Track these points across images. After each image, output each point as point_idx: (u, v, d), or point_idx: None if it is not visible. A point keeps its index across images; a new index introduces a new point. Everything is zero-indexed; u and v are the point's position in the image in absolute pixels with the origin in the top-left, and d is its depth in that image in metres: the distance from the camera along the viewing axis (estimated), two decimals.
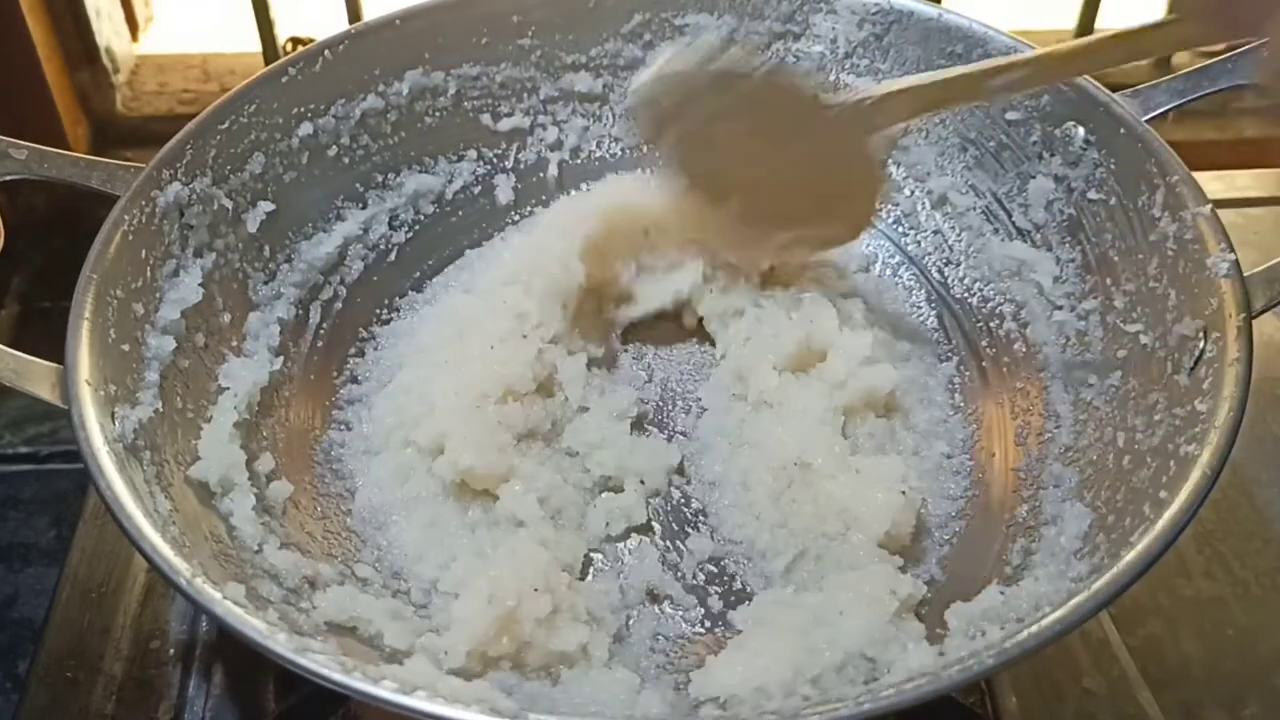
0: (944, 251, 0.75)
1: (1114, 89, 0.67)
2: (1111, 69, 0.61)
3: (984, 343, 0.71)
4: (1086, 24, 1.04)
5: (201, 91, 1.11)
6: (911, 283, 0.75)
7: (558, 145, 0.81)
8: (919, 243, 0.76)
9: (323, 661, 0.43)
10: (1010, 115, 0.71)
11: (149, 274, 0.61)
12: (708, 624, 0.58)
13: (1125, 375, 0.61)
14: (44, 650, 0.62)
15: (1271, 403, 0.76)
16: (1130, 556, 0.47)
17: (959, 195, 0.74)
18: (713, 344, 0.72)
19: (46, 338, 0.56)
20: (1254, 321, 0.55)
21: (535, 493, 0.60)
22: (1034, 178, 0.70)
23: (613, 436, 0.65)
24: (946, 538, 0.62)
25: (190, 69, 1.14)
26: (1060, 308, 0.67)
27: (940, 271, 0.75)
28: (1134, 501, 0.52)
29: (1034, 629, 0.44)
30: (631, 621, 0.58)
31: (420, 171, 0.78)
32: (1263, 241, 0.78)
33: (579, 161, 0.81)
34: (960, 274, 0.74)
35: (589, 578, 0.60)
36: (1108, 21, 1.07)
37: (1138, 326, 0.61)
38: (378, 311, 0.74)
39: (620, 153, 0.82)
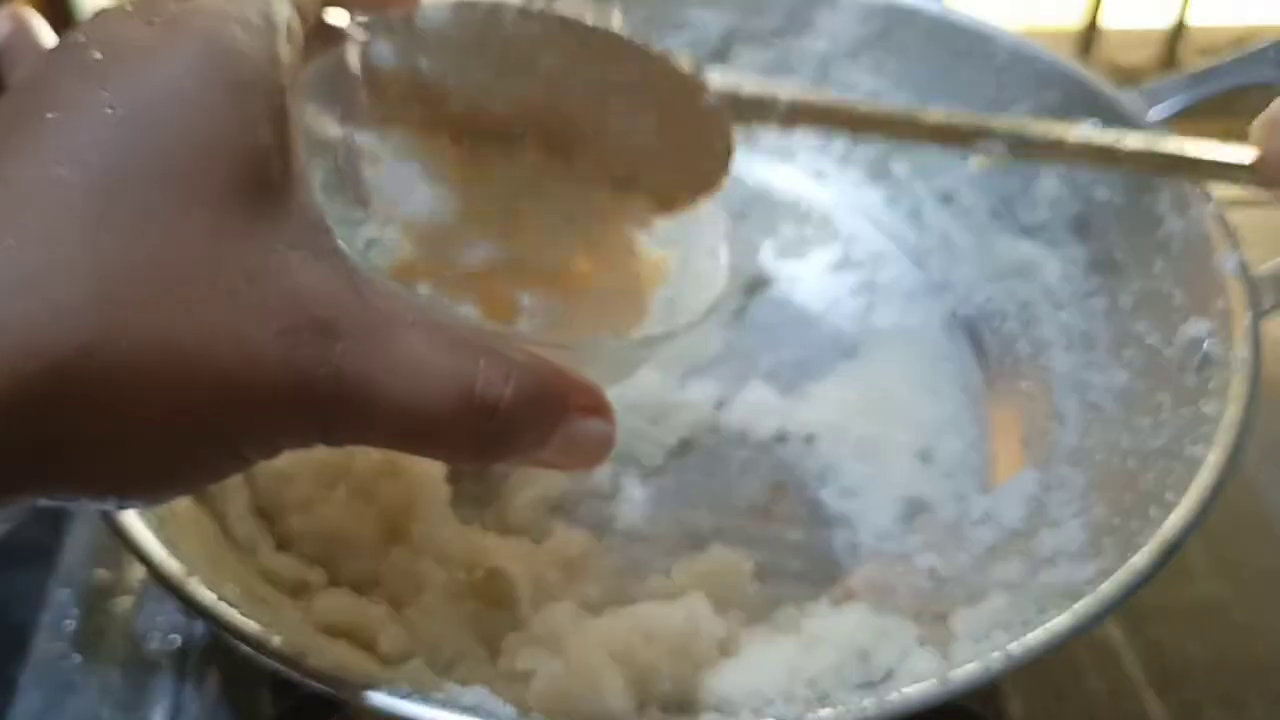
0: (949, 249, 0.74)
1: (1121, 87, 0.67)
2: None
3: (989, 342, 0.70)
4: (1089, 24, 1.04)
5: None
6: (916, 281, 0.75)
7: None
8: (924, 240, 0.76)
9: (319, 665, 0.43)
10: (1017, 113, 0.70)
11: None
12: None
13: (1132, 376, 0.60)
14: (37, 653, 0.61)
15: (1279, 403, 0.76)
16: (1137, 560, 0.46)
17: (965, 193, 0.74)
18: None
19: None
20: (1262, 320, 0.54)
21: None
22: (1039, 176, 0.69)
23: None
24: (950, 539, 0.61)
25: None
26: (1066, 307, 0.67)
27: (945, 270, 0.74)
28: (1141, 504, 0.52)
29: (1040, 633, 0.44)
30: None
31: None
32: (1270, 240, 0.77)
33: None
34: (965, 272, 0.73)
35: None
36: (1110, 20, 1.06)
37: (1144, 326, 0.61)
38: None
39: None
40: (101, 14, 0.34)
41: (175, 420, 0.31)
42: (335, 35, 0.43)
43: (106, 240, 0.30)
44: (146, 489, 0.34)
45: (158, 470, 0.33)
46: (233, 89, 0.33)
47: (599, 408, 0.38)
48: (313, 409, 0.33)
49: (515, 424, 0.35)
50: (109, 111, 0.31)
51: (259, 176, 0.33)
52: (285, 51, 0.35)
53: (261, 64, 0.34)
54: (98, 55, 0.32)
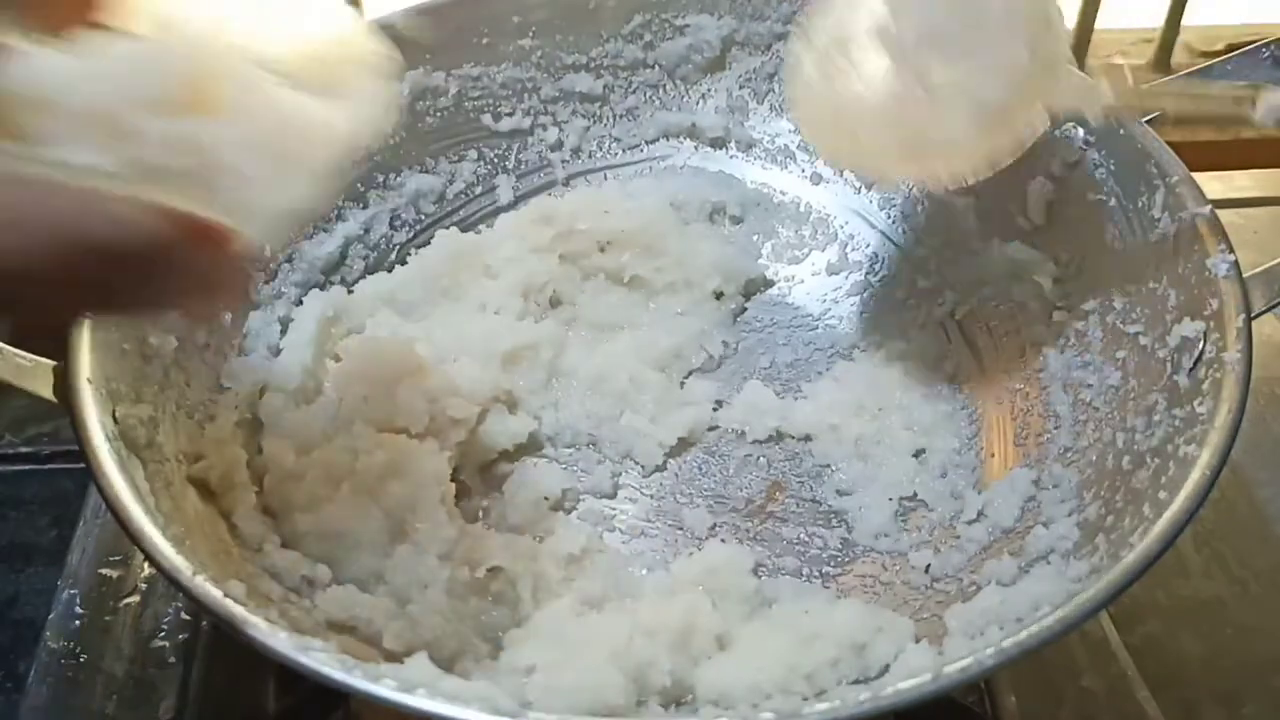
0: (944, 252, 0.75)
1: None
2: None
3: (983, 344, 0.71)
4: (1085, 25, 1.04)
5: None
6: (911, 283, 0.75)
7: (558, 145, 0.81)
8: (919, 243, 0.76)
9: (323, 660, 0.43)
10: None
11: None
12: None
13: (1125, 376, 0.61)
14: (45, 650, 0.62)
15: (1271, 403, 0.77)
16: (1129, 557, 0.47)
17: (959, 196, 0.74)
18: None
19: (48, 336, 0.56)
20: (1253, 321, 0.55)
21: None
22: (1034, 178, 0.70)
23: None
24: (945, 537, 0.62)
25: None
26: (1060, 308, 0.67)
27: (940, 272, 0.74)
28: (1133, 502, 0.52)
29: (1033, 629, 0.44)
30: None
31: (421, 171, 0.78)
32: (1262, 242, 0.78)
33: (580, 161, 0.81)
34: (960, 274, 0.74)
35: None
36: (1107, 23, 1.07)
37: (1137, 327, 0.61)
38: None
39: (620, 153, 0.82)
40: None
41: None
42: None
43: None
44: None
45: None
46: None
47: (225, 239, 0.36)
48: None
49: (140, 267, 0.34)
50: None
51: None
52: None
53: None
54: None
